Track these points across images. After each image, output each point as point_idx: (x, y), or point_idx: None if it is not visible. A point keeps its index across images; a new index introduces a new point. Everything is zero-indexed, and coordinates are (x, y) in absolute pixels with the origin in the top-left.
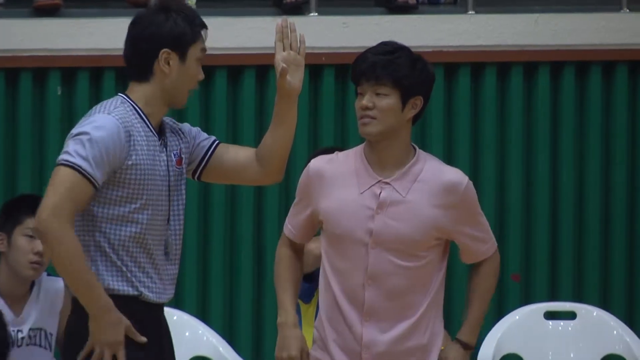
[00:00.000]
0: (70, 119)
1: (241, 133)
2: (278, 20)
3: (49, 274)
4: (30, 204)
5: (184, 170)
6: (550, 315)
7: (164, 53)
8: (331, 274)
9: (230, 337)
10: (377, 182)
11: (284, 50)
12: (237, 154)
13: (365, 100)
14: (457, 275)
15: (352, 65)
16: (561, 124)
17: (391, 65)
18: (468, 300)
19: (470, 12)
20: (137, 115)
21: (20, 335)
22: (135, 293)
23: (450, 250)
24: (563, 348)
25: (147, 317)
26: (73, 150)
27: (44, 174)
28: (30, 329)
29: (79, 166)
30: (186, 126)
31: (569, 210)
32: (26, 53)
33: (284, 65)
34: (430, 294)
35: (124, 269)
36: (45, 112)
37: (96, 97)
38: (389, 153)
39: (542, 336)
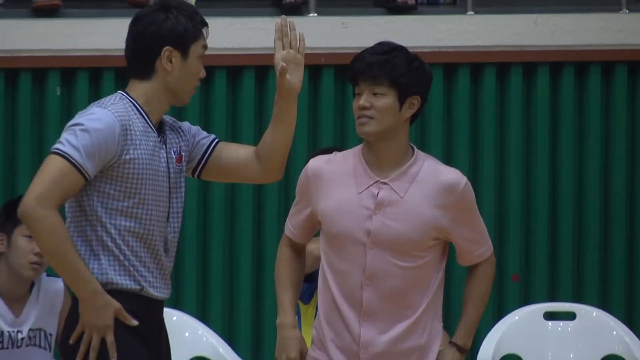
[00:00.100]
0: (70, 119)
1: (241, 133)
2: (277, 20)
3: (48, 275)
4: None
5: (184, 168)
6: (549, 316)
7: (166, 51)
8: (329, 274)
9: (229, 337)
10: (375, 182)
11: (283, 49)
12: (237, 152)
13: (363, 100)
14: (457, 277)
15: (350, 65)
16: (560, 124)
17: (388, 64)
18: (464, 303)
19: (469, 13)
20: (137, 112)
21: (20, 335)
22: (137, 287)
23: (449, 251)
24: (563, 348)
25: (148, 314)
26: (65, 139)
27: None
28: (29, 330)
29: (68, 155)
30: (186, 124)
31: (568, 211)
32: (25, 53)
33: (284, 64)
34: (429, 294)
35: (127, 263)
36: (45, 112)
37: (95, 97)
38: (387, 153)
39: (541, 336)
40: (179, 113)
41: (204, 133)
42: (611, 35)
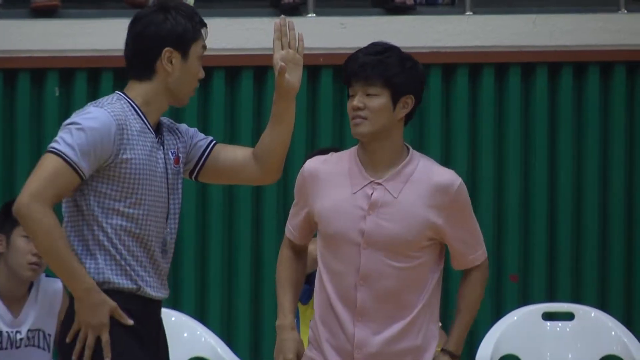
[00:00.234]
0: None
1: (239, 134)
2: (276, 20)
3: (47, 275)
4: None
5: (181, 169)
6: (548, 316)
7: (166, 52)
8: (325, 275)
9: (228, 338)
10: (369, 183)
11: (282, 49)
12: (235, 154)
13: (356, 101)
14: (455, 278)
15: (343, 66)
16: (559, 124)
17: (381, 65)
18: (457, 309)
19: (468, 13)
20: (134, 112)
21: (18, 336)
22: (134, 287)
23: (447, 253)
24: (561, 349)
25: (145, 313)
26: (60, 138)
27: None
28: (28, 330)
29: (63, 153)
30: (183, 126)
31: (567, 211)
32: (24, 54)
33: (283, 63)
34: (425, 295)
35: (123, 263)
36: (43, 112)
37: (94, 98)
38: (382, 153)
39: (540, 337)
40: (178, 113)
41: (202, 135)
42: (610, 35)
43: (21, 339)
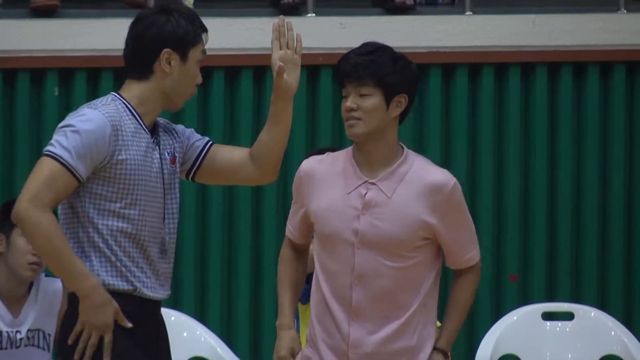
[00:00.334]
0: None
1: (239, 134)
2: (275, 20)
3: (47, 275)
4: None
5: (178, 170)
6: (547, 316)
7: (165, 53)
8: (321, 274)
9: (228, 337)
10: (363, 183)
11: (280, 49)
12: (232, 154)
13: (350, 102)
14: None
15: (335, 67)
16: (559, 124)
17: (372, 64)
18: (447, 310)
19: (467, 13)
20: (129, 113)
21: (18, 336)
22: (130, 288)
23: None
24: (561, 349)
25: (143, 314)
26: (56, 141)
27: None
28: (28, 330)
29: (59, 156)
30: (180, 127)
31: (566, 211)
32: (24, 53)
33: (281, 63)
34: (420, 295)
35: (118, 264)
36: (43, 112)
37: (94, 98)
38: (376, 153)
39: (539, 337)
40: (177, 113)
41: (198, 135)
42: (609, 35)
43: (21, 339)
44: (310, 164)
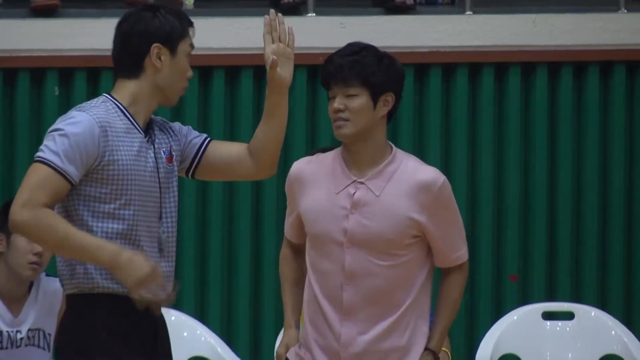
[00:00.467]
0: None
1: (239, 133)
2: (265, 15)
3: (47, 275)
4: None
5: (175, 168)
6: (548, 316)
7: (155, 48)
8: (312, 274)
9: (228, 337)
10: (352, 182)
11: (273, 43)
12: (230, 150)
13: (337, 103)
14: None
15: (321, 69)
16: (559, 124)
17: (357, 64)
18: (436, 310)
19: (468, 13)
20: (120, 113)
21: (19, 335)
22: (125, 289)
23: None
24: (561, 348)
25: (139, 316)
26: (45, 146)
27: None
28: (28, 330)
29: (49, 161)
30: (177, 125)
31: (566, 211)
32: (24, 53)
33: (274, 57)
34: (412, 294)
35: None
36: (43, 112)
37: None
38: (365, 153)
39: (540, 336)
40: (177, 112)
41: (196, 132)
42: (610, 35)
43: (21, 339)
44: (299, 166)
